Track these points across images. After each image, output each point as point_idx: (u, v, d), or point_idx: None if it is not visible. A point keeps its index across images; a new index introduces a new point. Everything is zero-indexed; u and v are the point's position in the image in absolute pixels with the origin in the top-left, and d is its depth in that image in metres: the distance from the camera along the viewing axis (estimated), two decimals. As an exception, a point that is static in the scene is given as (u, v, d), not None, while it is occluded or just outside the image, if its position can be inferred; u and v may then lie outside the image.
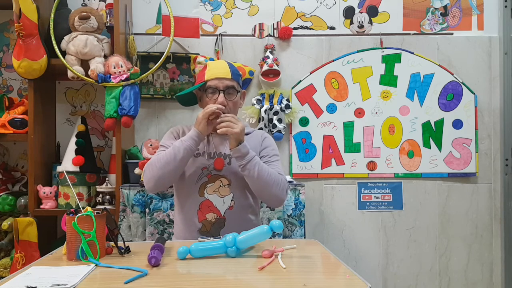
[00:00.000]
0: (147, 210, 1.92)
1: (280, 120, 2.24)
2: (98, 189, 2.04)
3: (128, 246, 1.23)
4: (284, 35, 2.31)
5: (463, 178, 2.35)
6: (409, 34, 2.36)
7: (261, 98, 2.27)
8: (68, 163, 2.00)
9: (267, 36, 2.33)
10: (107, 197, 2.03)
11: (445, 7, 2.37)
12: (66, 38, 1.99)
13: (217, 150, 1.53)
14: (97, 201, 2.03)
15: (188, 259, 1.16)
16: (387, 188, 2.35)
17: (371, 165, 2.34)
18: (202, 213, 1.49)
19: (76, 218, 1.12)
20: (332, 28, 2.36)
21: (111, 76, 1.96)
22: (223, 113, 1.46)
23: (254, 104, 2.26)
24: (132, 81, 1.98)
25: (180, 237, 1.54)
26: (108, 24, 2.06)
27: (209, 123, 1.45)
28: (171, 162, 1.42)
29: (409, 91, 2.34)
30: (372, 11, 2.36)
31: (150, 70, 2.09)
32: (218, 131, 1.42)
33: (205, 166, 1.51)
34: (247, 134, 1.60)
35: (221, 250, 1.18)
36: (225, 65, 1.53)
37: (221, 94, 1.49)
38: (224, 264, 1.12)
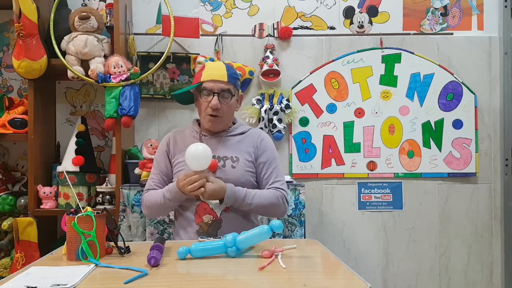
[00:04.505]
0: (147, 210, 1.92)
1: (280, 120, 2.24)
2: (98, 189, 2.04)
3: (128, 246, 1.23)
4: (284, 35, 2.31)
5: (463, 178, 2.35)
6: (409, 34, 2.36)
7: (261, 98, 2.27)
8: (68, 163, 2.00)
9: (267, 36, 2.33)
10: (107, 197, 2.03)
11: (445, 7, 2.37)
12: (66, 38, 1.99)
13: (212, 153, 1.52)
14: (97, 201, 2.03)
15: (188, 259, 1.16)
16: (387, 188, 2.35)
17: (371, 165, 2.34)
18: (199, 216, 1.49)
19: (76, 218, 1.12)
20: (332, 28, 2.36)
21: (111, 76, 1.96)
22: (217, 116, 1.50)
23: (254, 104, 2.26)
24: (132, 81, 1.98)
25: (179, 239, 1.54)
26: (108, 24, 2.05)
27: None
28: (160, 207, 1.52)
29: (409, 91, 2.34)
30: (372, 11, 2.36)
31: (150, 70, 2.09)
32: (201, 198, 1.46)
33: None
34: (242, 133, 1.59)
35: (221, 250, 1.18)
36: (223, 68, 1.52)
37: (215, 97, 1.48)
38: (224, 264, 1.12)
